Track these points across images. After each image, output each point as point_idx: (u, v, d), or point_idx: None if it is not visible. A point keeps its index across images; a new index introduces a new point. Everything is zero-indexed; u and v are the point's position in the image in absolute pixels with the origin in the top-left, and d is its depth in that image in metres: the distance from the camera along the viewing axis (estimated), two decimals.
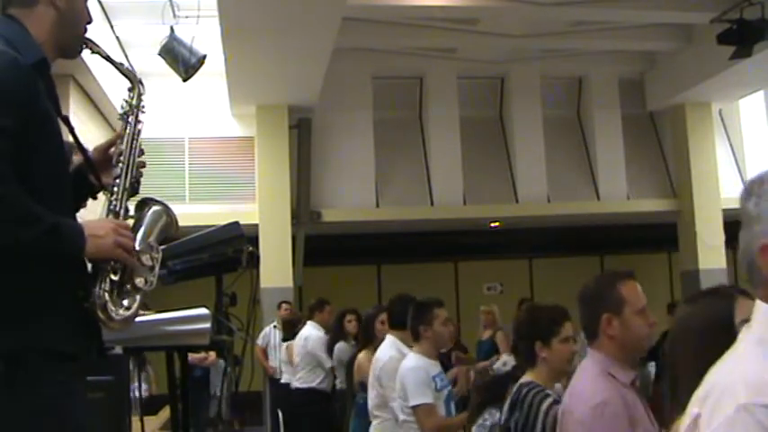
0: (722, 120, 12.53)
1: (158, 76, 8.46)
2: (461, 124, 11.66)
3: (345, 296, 12.51)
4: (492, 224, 12.53)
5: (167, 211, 2.21)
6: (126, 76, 2.26)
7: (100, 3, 8.24)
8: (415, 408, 4.02)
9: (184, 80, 8.09)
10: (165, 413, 4.82)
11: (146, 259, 2.05)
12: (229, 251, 3.03)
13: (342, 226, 11.49)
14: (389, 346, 4.57)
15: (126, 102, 2.24)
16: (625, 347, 2.58)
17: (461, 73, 11.75)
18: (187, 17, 8.32)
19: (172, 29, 8.04)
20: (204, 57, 8.15)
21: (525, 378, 3.15)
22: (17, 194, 1.77)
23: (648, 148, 12.40)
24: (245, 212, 9.67)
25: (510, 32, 10.38)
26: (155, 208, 2.19)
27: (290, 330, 8.41)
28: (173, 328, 2.67)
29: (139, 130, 2.21)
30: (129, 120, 2.21)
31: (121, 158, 2.15)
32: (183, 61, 7.94)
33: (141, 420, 2.90)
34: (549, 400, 3.00)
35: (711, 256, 11.36)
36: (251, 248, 3.01)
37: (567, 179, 11.88)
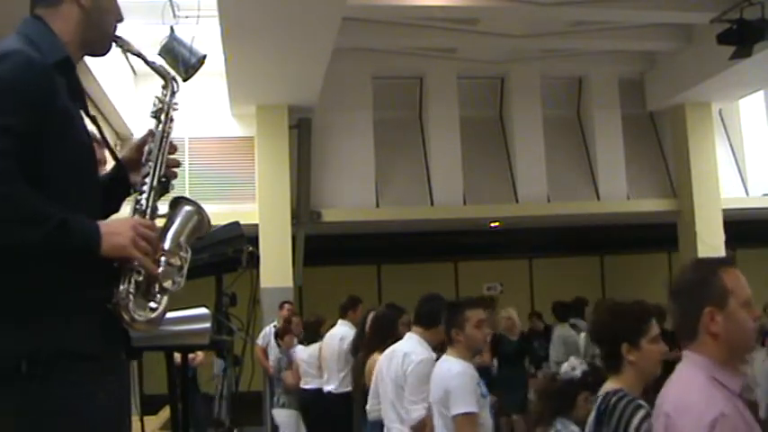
0: (722, 120, 12.53)
1: (158, 76, 8.44)
2: (461, 124, 11.66)
3: (345, 296, 12.54)
4: (492, 224, 12.53)
5: (199, 210, 2.16)
6: (159, 74, 2.24)
7: None
8: (456, 416, 3.73)
9: (184, 80, 8.08)
10: (165, 413, 4.82)
11: (174, 260, 2.01)
12: (229, 251, 3.03)
13: (342, 226, 11.49)
14: (418, 344, 4.39)
15: (158, 99, 2.21)
16: (731, 347, 2.16)
17: (461, 73, 11.75)
18: (187, 17, 8.32)
19: (172, 29, 8.03)
20: (204, 57, 8.15)
21: (611, 385, 2.82)
22: (22, 193, 1.75)
23: (648, 148, 12.40)
24: (245, 212, 9.67)
25: (510, 32, 10.38)
26: (186, 207, 2.14)
27: (314, 332, 7.84)
28: (172, 328, 2.66)
29: (171, 129, 2.18)
30: (161, 118, 2.18)
31: (151, 157, 2.11)
32: (183, 61, 7.94)
33: (141, 420, 2.90)
34: (642, 412, 2.65)
35: (711, 256, 11.36)
36: (251, 248, 3.01)
37: (567, 179, 11.88)
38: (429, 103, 11.76)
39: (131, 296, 1.89)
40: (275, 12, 7.55)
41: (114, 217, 2.09)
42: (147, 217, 2.03)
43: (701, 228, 11.46)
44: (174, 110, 2.20)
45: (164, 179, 2.11)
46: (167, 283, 1.97)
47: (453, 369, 3.83)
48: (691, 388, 2.14)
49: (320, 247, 11.58)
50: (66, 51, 1.99)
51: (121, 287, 1.89)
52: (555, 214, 11.84)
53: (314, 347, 7.63)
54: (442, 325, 4.15)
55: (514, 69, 11.87)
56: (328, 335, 7.34)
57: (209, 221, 2.20)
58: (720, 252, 11.42)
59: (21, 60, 1.85)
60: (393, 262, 13.65)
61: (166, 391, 2.94)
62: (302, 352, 7.80)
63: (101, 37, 2.12)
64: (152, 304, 1.94)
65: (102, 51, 2.16)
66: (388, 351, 4.53)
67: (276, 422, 8.08)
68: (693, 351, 2.20)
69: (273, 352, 8.97)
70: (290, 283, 10.24)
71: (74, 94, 1.99)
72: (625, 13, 9.91)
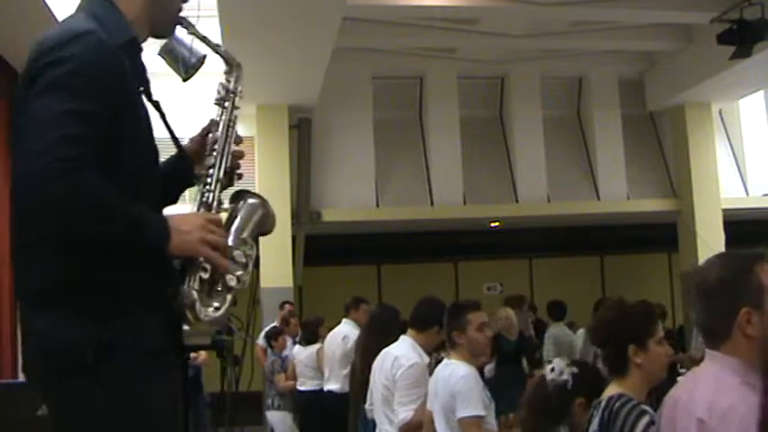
0: (722, 120, 12.53)
1: (158, 76, 8.45)
2: (461, 124, 11.66)
3: (345, 296, 12.52)
4: (492, 224, 12.53)
5: (264, 203, 2.09)
6: (224, 58, 2.13)
7: None
8: (463, 419, 3.59)
9: (184, 80, 8.08)
10: None
11: (238, 256, 1.96)
12: None
13: (342, 226, 11.48)
14: (410, 348, 4.27)
15: (222, 86, 2.11)
16: (765, 349, 1.97)
17: (461, 73, 11.75)
18: (187, 17, 8.30)
19: None
20: (204, 57, 8.13)
21: (615, 389, 2.66)
22: (97, 185, 1.70)
23: (648, 148, 12.40)
24: None
25: (510, 32, 10.38)
26: (250, 200, 2.05)
27: (312, 332, 7.76)
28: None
29: (236, 117, 2.08)
30: (226, 105, 2.08)
31: (216, 147, 2.01)
32: (183, 61, 7.93)
33: None
34: (647, 418, 2.50)
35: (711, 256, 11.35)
36: None
37: (567, 179, 11.88)
38: (429, 103, 11.76)
39: (196, 294, 1.85)
40: (275, 12, 7.55)
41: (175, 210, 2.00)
42: (213, 211, 1.96)
43: (701, 228, 11.45)
44: (240, 97, 2.10)
45: (229, 170, 2.03)
46: (232, 281, 1.92)
47: (458, 372, 3.70)
48: (724, 391, 1.95)
49: (320, 247, 11.58)
50: (132, 31, 1.91)
51: (186, 285, 1.85)
52: (555, 214, 11.84)
53: (313, 348, 7.56)
54: (436, 328, 4.14)
55: (514, 69, 11.87)
56: (331, 334, 7.24)
57: (274, 216, 2.13)
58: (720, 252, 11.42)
59: (94, 42, 1.77)
60: (393, 262, 13.64)
61: None
62: (301, 352, 7.70)
63: (166, 17, 2.04)
64: (215, 303, 1.90)
65: (166, 33, 2.09)
66: (381, 353, 4.45)
67: (271, 424, 8.06)
68: (723, 352, 2.02)
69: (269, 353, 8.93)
70: (290, 283, 10.24)
71: (138, 78, 1.92)
72: (625, 13, 9.90)
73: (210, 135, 2.05)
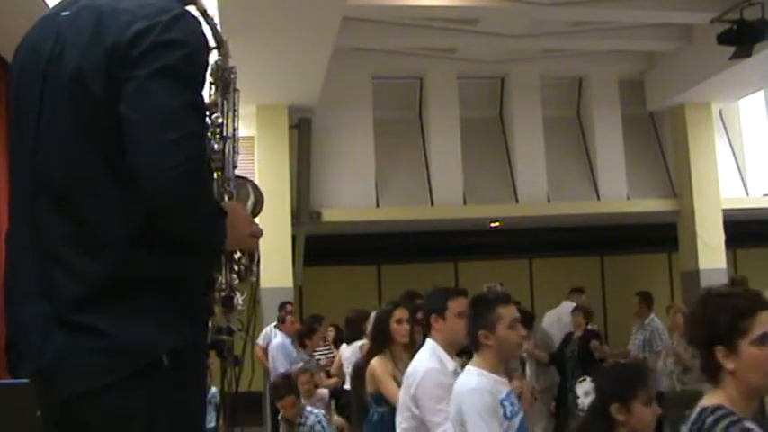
0: (722, 120, 12.53)
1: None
2: (461, 124, 11.66)
3: (345, 296, 12.54)
4: (492, 224, 12.53)
5: (253, 185, 2.08)
6: (214, 35, 2.01)
7: None
8: None
9: None
10: None
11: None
12: None
13: (342, 226, 11.48)
14: (428, 354, 3.65)
15: (216, 65, 2.00)
16: None
17: (461, 73, 11.75)
18: None
19: None
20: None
21: (709, 400, 2.17)
22: (210, 184, 1.74)
23: (648, 148, 12.40)
24: None
25: (510, 32, 10.38)
26: (241, 182, 2.01)
27: (356, 328, 7.08)
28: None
29: (238, 98, 2.01)
30: (228, 87, 1.99)
31: (225, 131, 1.93)
32: None
33: None
34: None
35: (711, 256, 11.36)
36: None
37: (567, 179, 11.88)
38: (429, 103, 11.76)
39: (231, 287, 1.87)
40: (275, 12, 7.55)
41: None
42: (227, 198, 1.93)
43: (701, 228, 11.46)
44: (235, 74, 2.02)
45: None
46: (251, 275, 1.94)
47: (467, 384, 3.18)
48: None
49: (320, 247, 11.58)
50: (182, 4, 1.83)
51: (222, 278, 1.86)
52: (555, 214, 11.84)
53: (356, 345, 6.98)
54: (433, 316, 3.66)
55: (514, 69, 11.87)
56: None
57: (263, 199, 2.11)
58: (721, 252, 11.42)
59: (194, 24, 1.76)
60: (393, 262, 13.63)
61: None
62: (346, 350, 7.17)
63: None
64: (238, 296, 1.92)
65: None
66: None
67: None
68: None
69: (285, 353, 8.42)
70: (290, 283, 10.24)
71: None
72: (625, 13, 9.91)
73: (212, 119, 1.96)
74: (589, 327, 8.50)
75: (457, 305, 3.57)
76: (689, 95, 11.42)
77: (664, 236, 12.43)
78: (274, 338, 8.46)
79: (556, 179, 11.77)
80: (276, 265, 9.82)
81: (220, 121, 1.93)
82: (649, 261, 14.30)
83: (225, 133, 1.93)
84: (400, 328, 4.47)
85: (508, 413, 3.12)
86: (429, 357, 3.62)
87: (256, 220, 2.00)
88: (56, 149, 1.74)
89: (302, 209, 10.82)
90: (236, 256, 1.88)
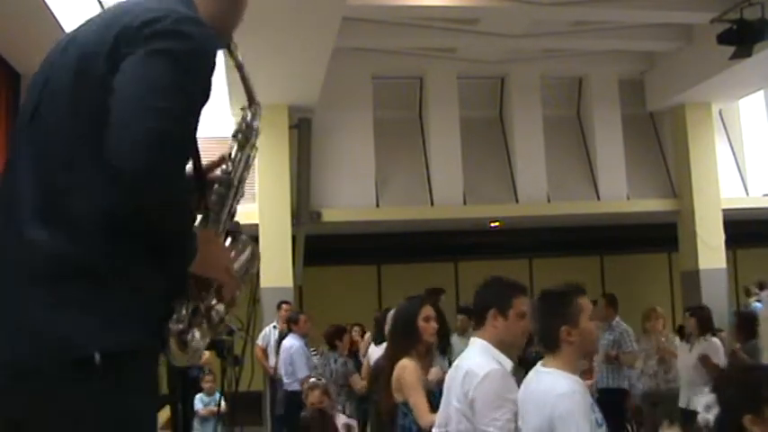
0: (722, 120, 12.54)
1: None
2: (461, 124, 11.66)
3: (345, 296, 12.56)
4: (492, 224, 12.53)
5: (252, 244, 2.00)
6: (249, 93, 2.04)
7: (100, 3, 8.24)
8: None
9: None
10: (166, 413, 4.82)
11: (228, 294, 1.87)
12: None
13: (342, 226, 11.49)
14: (481, 351, 3.22)
15: (244, 122, 2.00)
16: None
17: (461, 73, 11.75)
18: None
19: None
20: None
21: None
22: (184, 178, 1.70)
23: (648, 148, 12.40)
24: (245, 212, 9.60)
25: (510, 32, 10.38)
26: (241, 237, 1.97)
27: (384, 328, 6.50)
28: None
29: (254, 156, 2.00)
30: (246, 143, 1.99)
31: (232, 181, 1.92)
32: None
33: None
34: None
35: (711, 256, 11.36)
36: None
37: (567, 179, 11.88)
38: (429, 103, 11.76)
39: (187, 322, 1.77)
40: (275, 12, 7.54)
41: None
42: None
43: (701, 228, 11.46)
44: (258, 136, 2.01)
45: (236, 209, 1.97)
46: (217, 318, 1.85)
47: (558, 387, 2.80)
48: None
49: (320, 247, 11.58)
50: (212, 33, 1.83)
51: (183, 311, 1.76)
52: (555, 214, 11.84)
53: (384, 346, 6.40)
54: (492, 311, 3.22)
55: (514, 69, 11.87)
56: None
57: (259, 258, 2.05)
58: (721, 252, 11.42)
59: (210, 33, 1.75)
60: (393, 262, 13.64)
61: (167, 391, 2.94)
62: (375, 352, 6.70)
63: (230, 29, 1.98)
64: (201, 335, 1.81)
65: (222, 45, 2.00)
66: (453, 366, 3.43)
67: None
68: None
69: (306, 355, 8.21)
70: (290, 283, 10.24)
71: None
72: (625, 13, 9.91)
73: (220, 169, 1.95)
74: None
75: (520, 304, 3.19)
76: (689, 95, 11.42)
77: (664, 236, 12.43)
78: (287, 340, 8.22)
79: (556, 179, 11.77)
80: (276, 265, 9.82)
81: (230, 170, 1.94)
82: (649, 261, 14.30)
83: (231, 182, 1.92)
84: (428, 326, 4.12)
85: (599, 420, 2.84)
86: (482, 356, 3.19)
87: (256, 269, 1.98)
88: (50, 123, 1.73)
89: (302, 209, 10.82)
90: (213, 302, 1.81)
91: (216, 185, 1.92)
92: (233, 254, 1.91)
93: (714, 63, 10.06)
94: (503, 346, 3.21)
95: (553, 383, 2.81)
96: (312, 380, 6.32)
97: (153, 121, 1.56)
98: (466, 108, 11.79)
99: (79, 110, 1.70)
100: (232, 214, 1.93)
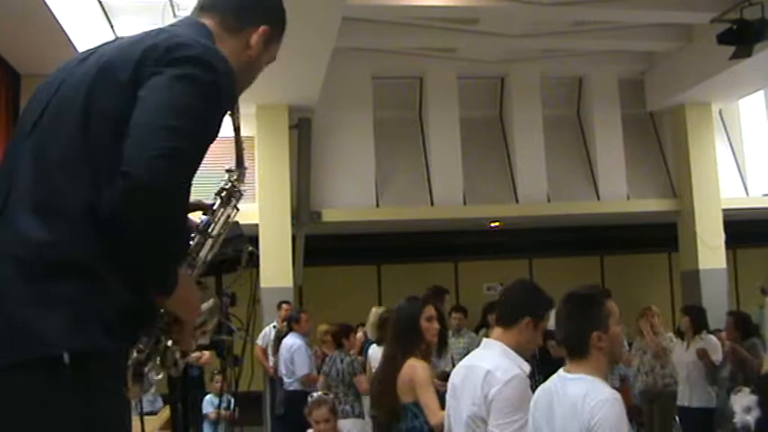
0: (722, 120, 12.54)
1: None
2: (461, 124, 11.66)
3: (345, 296, 12.55)
4: (492, 224, 12.53)
5: (215, 296, 2.09)
6: (238, 156, 2.13)
7: (100, 2, 8.24)
8: None
9: None
10: (165, 413, 4.82)
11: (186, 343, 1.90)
12: (229, 251, 3.02)
13: (342, 226, 11.49)
14: (502, 355, 3.14)
15: (231, 182, 2.10)
16: None
17: (461, 73, 11.75)
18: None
19: None
20: None
21: None
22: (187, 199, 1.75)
23: (648, 148, 12.40)
24: (245, 212, 9.56)
25: (510, 32, 10.38)
26: (210, 292, 2.06)
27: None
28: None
29: (234, 216, 2.09)
30: (229, 200, 2.08)
31: (210, 232, 1.99)
32: None
33: (141, 420, 2.90)
34: None
35: (711, 256, 11.36)
36: (251, 248, 3.01)
37: (567, 179, 11.88)
38: (429, 103, 11.76)
39: (148, 356, 1.79)
40: None
41: None
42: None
43: (701, 228, 11.46)
44: (240, 197, 2.11)
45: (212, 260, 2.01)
46: (176, 359, 1.86)
47: (597, 394, 2.66)
48: None
49: (320, 247, 11.59)
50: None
51: (147, 341, 1.78)
52: (555, 214, 11.84)
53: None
54: (527, 319, 3.17)
55: (514, 69, 11.87)
56: None
57: (219, 310, 2.12)
58: (721, 252, 11.42)
59: (228, 68, 1.81)
60: (393, 262, 13.64)
61: (166, 390, 2.93)
62: (377, 352, 6.53)
63: (241, 89, 2.01)
64: (152, 373, 1.82)
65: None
66: (461, 366, 3.38)
67: None
68: None
69: (307, 354, 8.23)
70: (290, 283, 10.25)
71: None
72: (625, 13, 9.91)
73: (201, 219, 2.03)
74: None
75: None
76: (689, 95, 11.42)
77: (664, 236, 12.43)
78: (288, 339, 8.20)
79: (556, 179, 11.77)
80: (276, 265, 9.83)
81: (212, 221, 2.01)
82: (649, 261, 14.30)
83: (210, 232, 1.99)
84: (431, 326, 4.09)
85: (635, 426, 2.73)
86: (505, 359, 3.12)
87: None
88: (56, 127, 1.76)
89: (302, 209, 10.82)
90: (169, 343, 1.82)
91: (194, 233, 1.97)
92: (203, 305, 1.95)
93: (714, 63, 10.06)
94: (519, 350, 3.18)
95: (588, 390, 2.67)
96: (317, 394, 6.10)
97: (170, 141, 1.63)
98: (466, 108, 11.79)
99: (90, 117, 1.73)
100: (205, 264, 1.96)
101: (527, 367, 3.12)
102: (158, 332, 1.80)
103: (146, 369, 1.78)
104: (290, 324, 8.31)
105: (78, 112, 1.74)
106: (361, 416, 6.88)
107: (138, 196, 1.61)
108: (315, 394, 6.01)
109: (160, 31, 1.84)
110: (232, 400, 3.76)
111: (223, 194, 2.06)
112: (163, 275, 1.72)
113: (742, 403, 2.83)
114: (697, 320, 7.36)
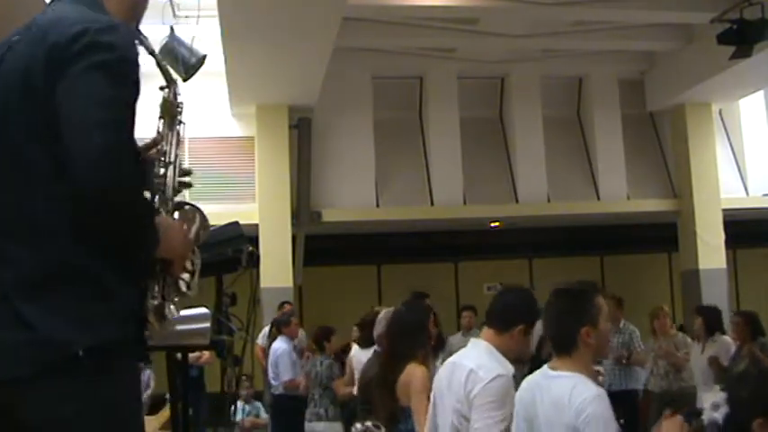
0: (722, 120, 12.53)
1: (158, 76, 8.44)
2: (461, 124, 11.66)
3: (345, 296, 12.55)
4: (492, 224, 12.53)
5: (201, 214, 2.15)
6: (165, 74, 2.15)
7: None
8: None
9: (184, 80, 8.08)
10: (165, 413, 4.82)
11: (188, 264, 2.02)
12: (229, 251, 3.02)
13: (342, 226, 11.48)
14: (487, 355, 3.16)
15: (165, 100, 2.13)
16: None
17: (461, 73, 11.75)
18: (187, 17, 8.32)
19: (172, 29, 8.03)
20: (204, 57, 8.14)
21: None
22: (139, 175, 1.80)
23: (648, 148, 12.40)
24: (245, 212, 9.66)
25: (510, 32, 10.38)
26: (187, 208, 2.13)
27: (372, 330, 6.05)
28: (172, 328, 2.66)
29: (183, 131, 2.12)
30: (175, 120, 2.11)
31: (168, 159, 2.04)
32: (183, 61, 7.93)
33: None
34: None
35: (711, 256, 11.36)
36: (251, 248, 3.01)
37: (567, 179, 11.88)
38: (429, 103, 11.76)
39: (162, 298, 1.91)
40: (275, 12, 7.55)
41: None
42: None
43: (701, 228, 11.45)
44: (182, 110, 2.15)
45: (180, 181, 2.08)
46: (184, 287, 1.99)
47: (583, 391, 2.64)
48: None
49: (320, 247, 11.59)
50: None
51: (156, 288, 1.90)
52: (555, 214, 11.84)
53: (372, 349, 6.07)
54: (521, 326, 3.18)
55: (514, 69, 11.87)
56: None
57: (208, 225, 2.19)
58: (721, 252, 11.42)
59: (128, 34, 1.85)
60: (393, 262, 13.64)
61: (167, 390, 2.94)
62: (359, 354, 6.40)
63: (137, 19, 2.07)
64: (171, 307, 1.95)
65: (136, 37, 2.09)
66: (447, 364, 3.39)
67: None
68: None
69: (291, 359, 8.00)
70: (290, 283, 10.24)
71: None
72: (625, 13, 9.91)
73: (158, 147, 2.07)
74: None
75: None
76: (689, 95, 11.42)
77: (664, 236, 12.43)
78: (275, 343, 8.11)
79: (556, 179, 11.77)
80: (276, 265, 9.82)
81: (165, 149, 2.05)
82: (649, 261, 14.30)
83: (167, 160, 2.03)
84: (433, 331, 4.17)
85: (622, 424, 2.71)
86: (489, 358, 3.14)
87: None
88: (5, 140, 1.81)
89: (302, 209, 10.82)
90: (171, 268, 1.93)
91: (155, 166, 2.03)
92: (185, 226, 2.04)
93: (714, 63, 10.05)
94: (506, 354, 3.18)
95: (574, 387, 2.64)
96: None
97: (103, 137, 1.68)
98: (466, 108, 11.78)
99: (23, 127, 1.79)
100: (176, 190, 2.04)
101: (511, 368, 3.11)
102: (161, 275, 1.91)
103: (165, 311, 1.90)
104: (279, 328, 8.21)
105: (12, 130, 1.79)
106: (335, 419, 6.89)
107: (94, 198, 1.68)
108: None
109: (57, 19, 1.84)
110: (261, 408, 3.74)
111: (165, 116, 2.09)
112: (144, 246, 1.81)
113: (711, 401, 2.85)
114: (710, 322, 7.18)
